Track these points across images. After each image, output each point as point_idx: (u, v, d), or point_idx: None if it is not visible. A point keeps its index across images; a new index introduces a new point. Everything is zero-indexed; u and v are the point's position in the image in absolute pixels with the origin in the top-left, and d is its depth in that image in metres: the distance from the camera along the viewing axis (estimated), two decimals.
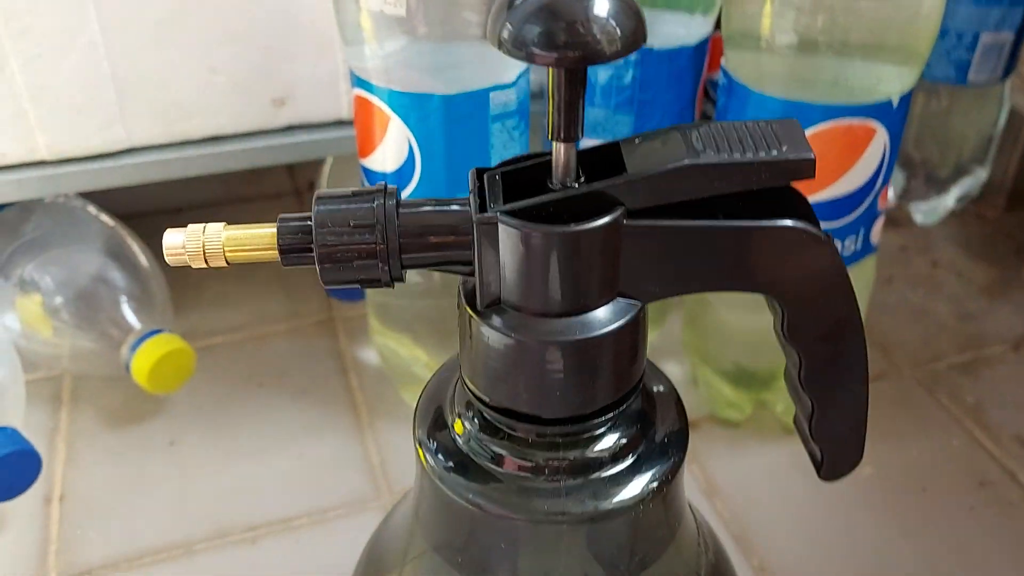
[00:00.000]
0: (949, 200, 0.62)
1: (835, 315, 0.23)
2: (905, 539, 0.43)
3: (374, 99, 0.39)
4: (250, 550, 0.43)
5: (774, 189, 0.23)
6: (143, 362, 0.46)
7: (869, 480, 0.46)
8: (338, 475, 0.46)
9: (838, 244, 0.41)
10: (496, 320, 0.22)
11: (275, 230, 0.22)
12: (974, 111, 0.59)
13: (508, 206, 0.21)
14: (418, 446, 0.26)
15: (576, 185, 0.21)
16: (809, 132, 0.38)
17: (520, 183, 0.22)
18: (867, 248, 0.42)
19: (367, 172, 0.42)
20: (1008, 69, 0.57)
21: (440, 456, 0.26)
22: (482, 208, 0.21)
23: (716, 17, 0.43)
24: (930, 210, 0.63)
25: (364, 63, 0.39)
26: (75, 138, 0.47)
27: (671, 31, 0.42)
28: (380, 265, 0.22)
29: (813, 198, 0.39)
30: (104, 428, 0.49)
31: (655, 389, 0.27)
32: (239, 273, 0.60)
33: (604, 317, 0.22)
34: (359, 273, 0.22)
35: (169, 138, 0.48)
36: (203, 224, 0.22)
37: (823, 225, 0.40)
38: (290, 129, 0.50)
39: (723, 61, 0.40)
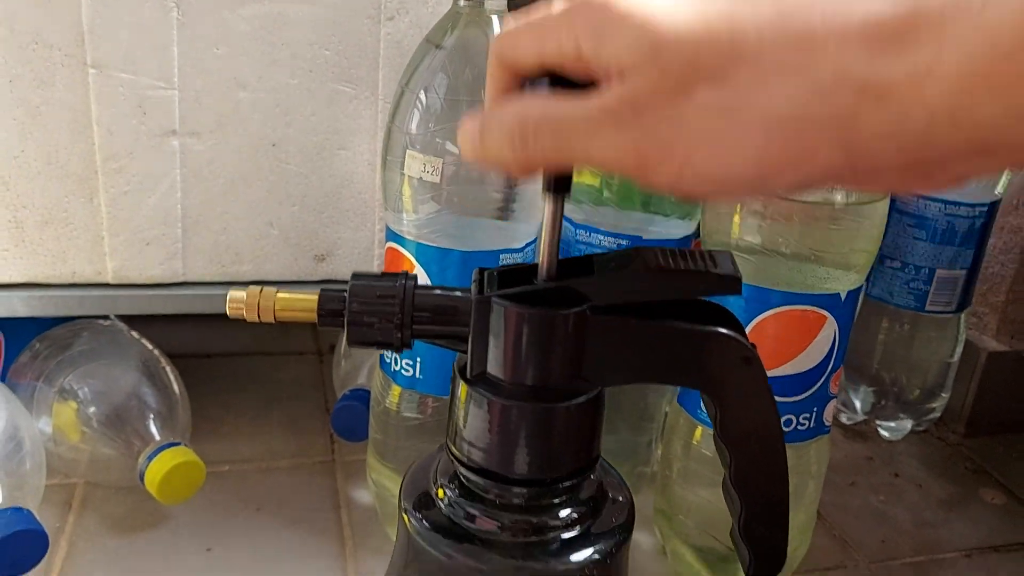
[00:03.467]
0: (910, 421, 0.67)
1: (759, 418, 0.28)
2: None
3: (403, 250, 0.46)
4: None
5: (716, 310, 0.29)
6: (157, 469, 0.50)
7: None
8: None
9: (793, 419, 0.46)
10: (480, 387, 0.28)
11: (317, 296, 0.28)
12: (934, 339, 0.65)
13: (500, 292, 0.27)
14: (403, 514, 0.31)
15: (555, 283, 0.27)
16: (769, 312, 0.44)
17: (512, 279, 0.28)
18: (820, 428, 0.47)
19: None
20: (962, 303, 0.64)
21: (423, 520, 0.30)
22: (480, 293, 0.27)
23: (697, 223, 0.51)
24: (895, 428, 0.68)
25: (400, 223, 0.47)
26: (139, 266, 0.54)
27: (658, 229, 0.50)
28: (395, 332, 0.28)
29: (774, 373, 0.45)
30: (106, 533, 0.52)
31: (613, 495, 0.32)
32: (255, 413, 0.65)
33: (568, 392, 0.27)
34: (378, 335, 0.28)
35: (220, 277, 0.55)
36: (261, 286, 0.28)
37: (781, 400, 0.45)
38: (326, 282, 0.57)
39: None
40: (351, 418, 0.57)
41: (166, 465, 0.50)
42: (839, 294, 0.44)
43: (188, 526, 0.53)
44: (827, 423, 0.47)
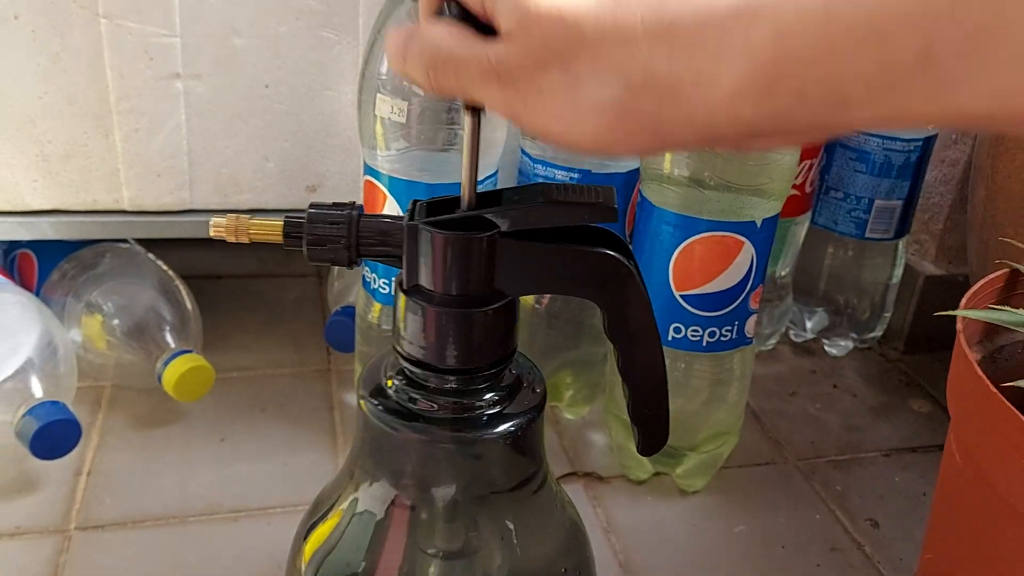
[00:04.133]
0: (852, 339, 0.74)
1: (638, 322, 0.35)
2: None
3: (377, 183, 0.53)
4: (232, 527, 0.53)
5: (607, 236, 0.35)
6: (173, 372, 0.58)
7: (739, 535, 0.55)
8: (312, 481, 0.57)
9: (716, 331, 0.53)
10: (415, 296, 0.35)
11: (283, 222, 0.35)
12: (875, 264, 0.71)
13: (426, 220, 0.34)
14: (361, 400, 0.38)
15: (471, 212, 0.34)
16: (695, 238, 0.51)
17: (438, 209, 0.34)
18: (742, 339, 0.54)
19: None
20: (900, 231, 0.70)
21: (377, 405, 0.37)
22: (411, 220, 0.34)
23: None
24: (841, 345, 0.74)
25: (375, 160, 0.53)
26: (152, 196, 0.61)
27: (601, 162, 0.56)
28: (344, 251, 0.34)
29: (699, 291, 0.52)
30: (131, 427, 0.61)
31: (529, 384, 0.39)
32: (261, 328, 0.72)
33: (484, 300, 0.34)
34: (331, 254, 0.34)
35: (223, 206, 0.62)
36: (238, 213, 0.35)
37: (706, 315, 0.52)
38: None
39: (639, 187, 0.54)
40: (342, 331, 0.64)
41: (180, 369, 0.58)
42: (755, 222, 0.50)
43: (202, 422, 0.62)
44: (748, 335, 0.54)
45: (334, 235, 0.34)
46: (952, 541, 0.39)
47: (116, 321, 0.62)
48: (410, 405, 0.36)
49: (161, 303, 0.63)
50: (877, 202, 0.68)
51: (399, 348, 0.36)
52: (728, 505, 0.58)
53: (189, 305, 0.65)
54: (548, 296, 0.62)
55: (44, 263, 0.66)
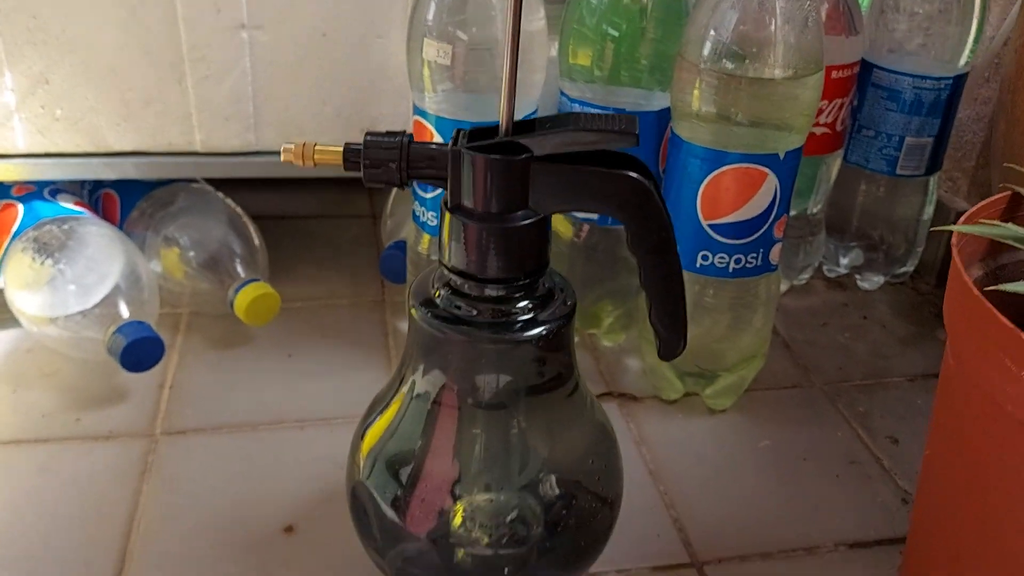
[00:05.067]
0: (883, 273, 0.76)
1: (657, 237, 0.39)
2: (782, 488, 0.56)
3: (426, 122, 0.57)
4: (298, 434, 0.59)
5: (631, 160, 0.39)
6: (244, 299, 0.64)
7: (764, 449, 0.59)
8: (369, 396, 0.62)
9: (742, 258, 0.56)
10: (458, 213, 0.39)
11: (343, 147, 0.39)
12: (907, 200, 0.73)
13: (468, 144, 0.38)
14: (412, 310, 0.43)
15: (507, 139, 0.38)
16: (722, 169, 0.54)
17: (479, 136, 0.39)
18: (767, 266, 0.57)
19: None
20: (931, 168, 0.72)
21: (427, 312, 0.42)
22: (454, 146, 0.38)
23: None
24: (873, 279, 0.77)
25: (423, 101, 0.58)
26: (221, 138, 0.66)
27: (642, 102, 0.60)
28: (396, 173, 0.39)
29: (725, 220, 0.55)
30: (207, 348, 0.67)
31: (560, 297, 0.43)
32: (321, 264, 0.78)
33: (519, 216, 0.39)
34: (385, 176, 0.39)
35: None
36: (305, 141, 0.40)
37: (733, 242, 0.56)
38: None
39: (671, 124, 0.57)
40: (395, 263, 0.69)
41: (250, 295, 0.64)
42: (778, 154, 0.53)
43: (270, 344, 0.68)
44: (773, 262, 0.58)
45: (388, 159, 0.39)
46: (947, 437, 0.42)
47: (192, 253, 0.68)
48: (455, 311, 0.41)
49: (232, 237, 0.69)
50: (908, 139, 0.70)
51: (444, 261, 0.41)
52: (754, 422, 0.62)
53: (256, 240, 0.70)
54: (587, 229, 0.66)
55: (125, 202, 0.72)
